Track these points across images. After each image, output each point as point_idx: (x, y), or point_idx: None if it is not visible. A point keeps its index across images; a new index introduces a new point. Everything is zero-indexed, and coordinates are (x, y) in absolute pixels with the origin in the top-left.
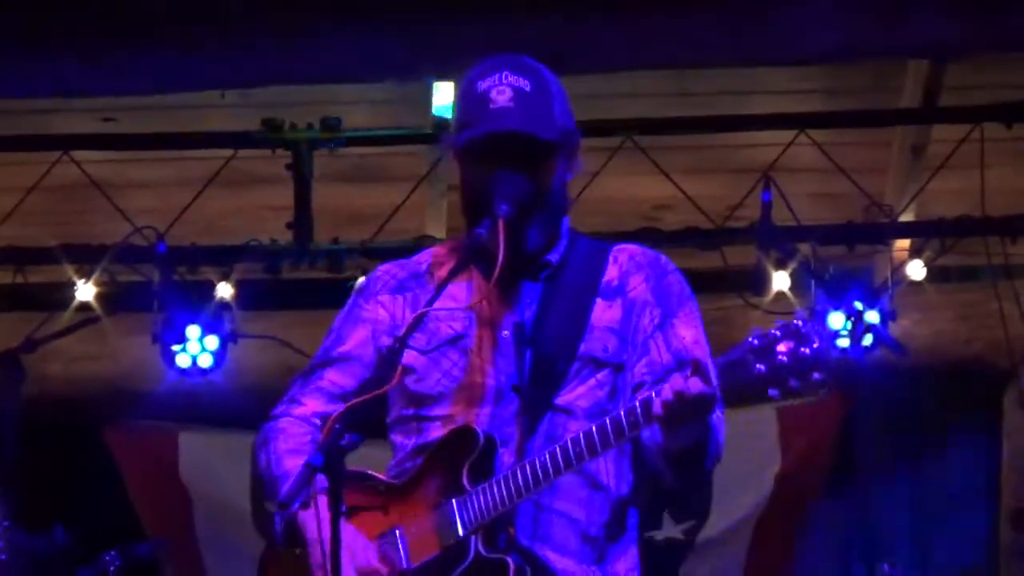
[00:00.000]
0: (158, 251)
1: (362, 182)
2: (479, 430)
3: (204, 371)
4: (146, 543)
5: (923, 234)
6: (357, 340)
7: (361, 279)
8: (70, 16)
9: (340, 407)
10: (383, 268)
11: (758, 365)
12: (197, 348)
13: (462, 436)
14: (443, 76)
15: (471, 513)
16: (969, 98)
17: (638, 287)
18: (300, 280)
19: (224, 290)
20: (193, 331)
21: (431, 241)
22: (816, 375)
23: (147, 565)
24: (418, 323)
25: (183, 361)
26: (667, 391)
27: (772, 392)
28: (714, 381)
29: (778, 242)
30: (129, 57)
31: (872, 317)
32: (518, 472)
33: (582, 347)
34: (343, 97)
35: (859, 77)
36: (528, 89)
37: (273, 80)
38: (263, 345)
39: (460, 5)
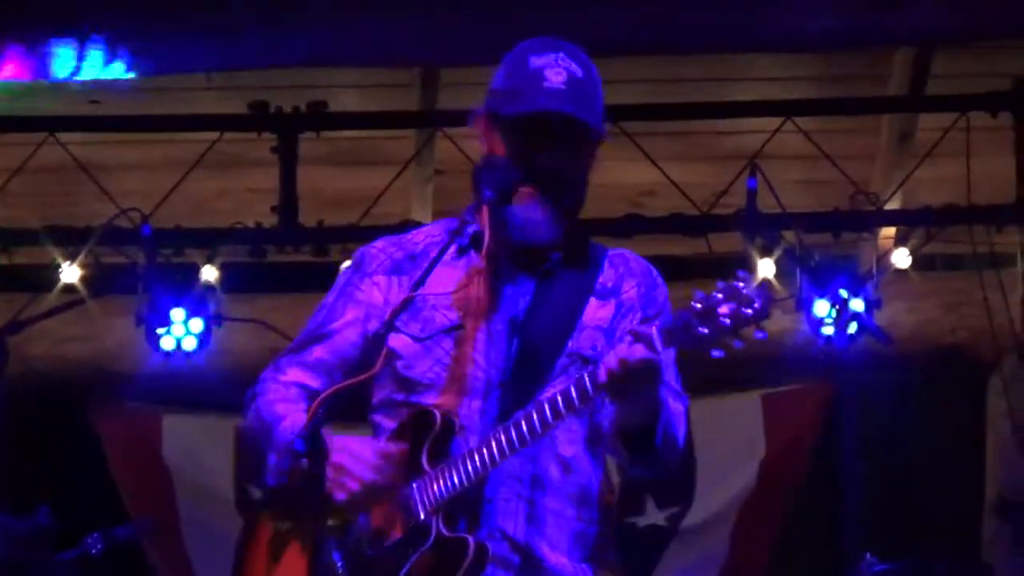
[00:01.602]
0: (143, 233)
1: (348, 166)
2: (436, 412)
3: (188, 354)
4: (128, 525)
5: (909, 222)
6: (349, 318)
7: (356, 252)
8: None
9: (321, 380)
10: (379, 245)
11: (701, 328)
12: (181, 331)
13: (421, 418)
14: (429, 61)
15: (430, 495)
16: (956, 87)
17: (630, 291)
18: (285, 263)
19: (209, 273)
20: (178, 314)
21: (416, 225)
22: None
23: (129, 548)
24: (404, 307)
25: (167, 343)
26: (611, 358)
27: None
28: (659, 348)
29: (763, 229)
30: (118, 39)
31: (857, 305)
32: (475, 452)
33: (570, 344)
34: (329, 81)
35: (846, 65)
36: (580, 75)
37: (261, 63)
38: (247, 328)
39: None
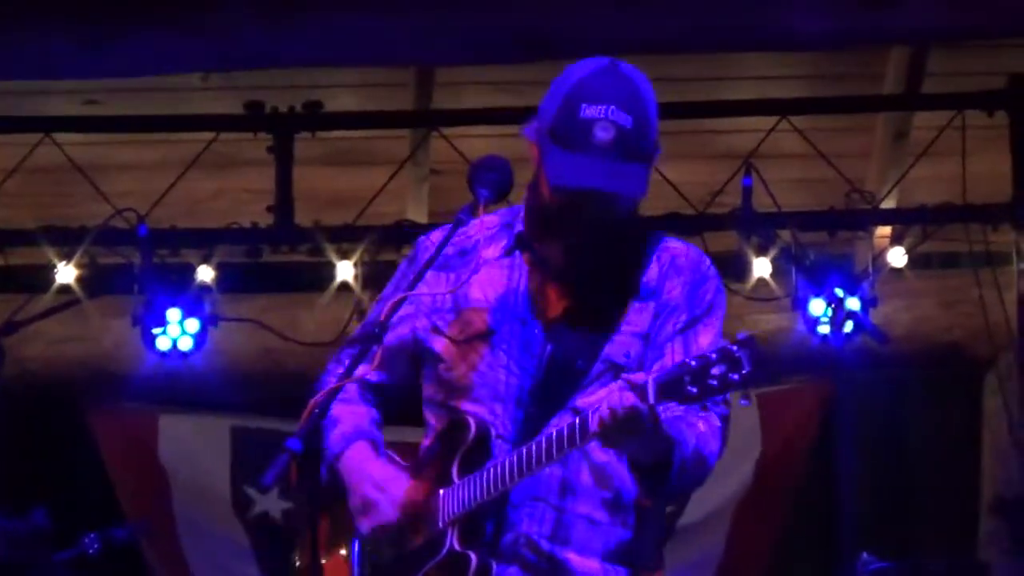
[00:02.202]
0: (139, 234)
1: (344, 166)
2: (471, 422)
3: (184, 354)
4: (125, 526)
5: (904, 221)
6: (401, 314)
7: (416, 242)
8: None
9: (379, 374)
10: (434, 238)
11: (691, 387)
12: (177, 331)
13: (457, 427)
14: (426, 61)
15: (451, 506)
16: (951, 85)
17: (674, 291)
18: (281, 263)
19: (205, 273)
20: (174, 314)
21: (411, 225)
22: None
23: (126, 548)
24: (399, 305)
25: (163, 344)
26: (603, 407)
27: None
28: (651, 400)
29: (759, 228)
30: (114, 39)
31: (853, 304)
32: (490, 469)
33: (607, 349)
34: (325, 80)
35: (842, 63)
36: (630, 125)
37: (257, 63)
38: (243, 328)
39: None
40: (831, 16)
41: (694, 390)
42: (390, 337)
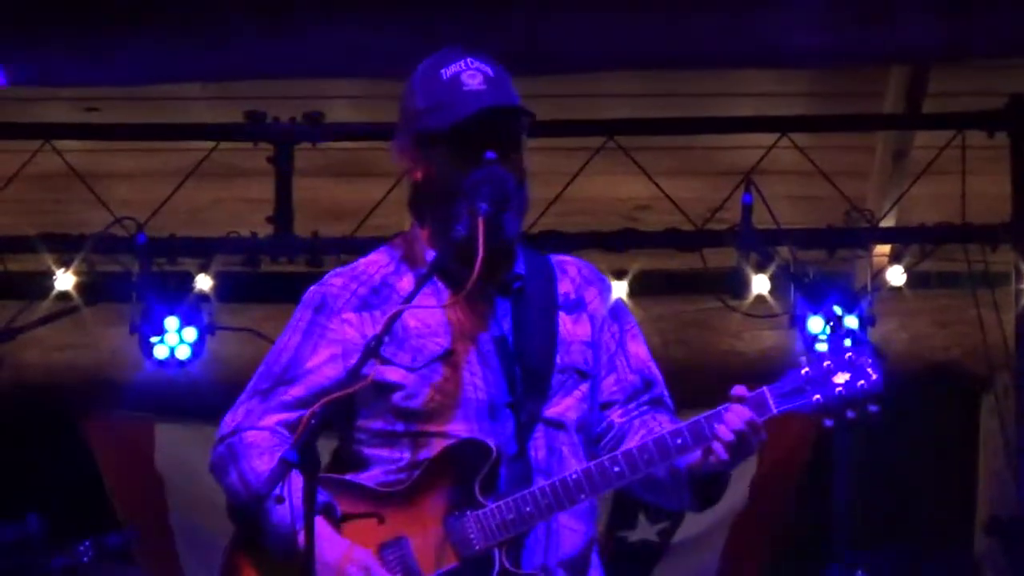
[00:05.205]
0: (138, 242)
1: (343, 177)
2: (491, 444)
3: (182, 363)
4: (120, 533)
5: (903, 240)
6: (324, 358)
7: (311, 293)
8: (56, 5)
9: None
10: (338, 283)
11: (816, 396)
12: (175, 339)
13: (470, 449)
14: None
15: (491, 527)
16: (952, 105)
17: (594, 301)
18: (279, 273)
19: (203, 282)
20: (171, 322)
21: None
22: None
23: (121, 556)
24: (389, 326)
25: (161, 352)
26: (725, 430)
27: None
28: (772, 409)
29: (758, 245)
30: (114, 48)
31: (851, 322)
32: (548, 489)
33: (559, 359)
34: (326, 91)
35: (842, 82)
36: (493, 74)
37: (257, 73)
38: (241, 338)
39: (443, 1)
40: (828, 32)
41: (820, 399)
42: (318, 379)
